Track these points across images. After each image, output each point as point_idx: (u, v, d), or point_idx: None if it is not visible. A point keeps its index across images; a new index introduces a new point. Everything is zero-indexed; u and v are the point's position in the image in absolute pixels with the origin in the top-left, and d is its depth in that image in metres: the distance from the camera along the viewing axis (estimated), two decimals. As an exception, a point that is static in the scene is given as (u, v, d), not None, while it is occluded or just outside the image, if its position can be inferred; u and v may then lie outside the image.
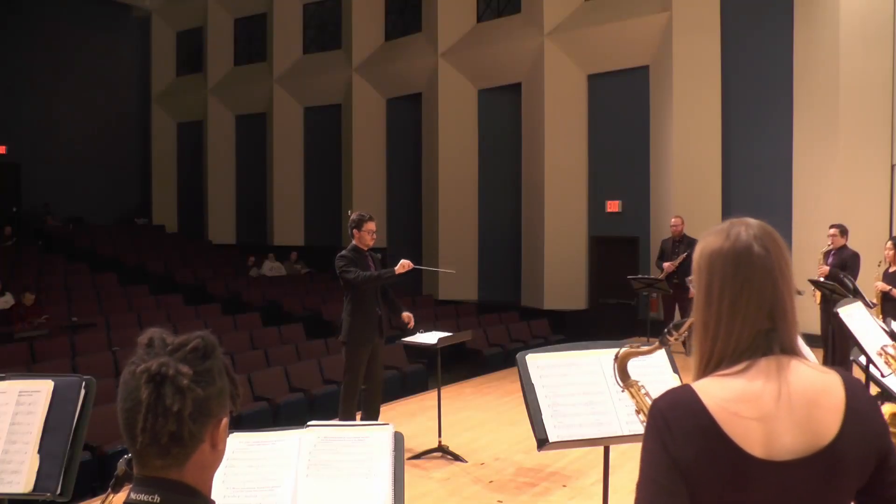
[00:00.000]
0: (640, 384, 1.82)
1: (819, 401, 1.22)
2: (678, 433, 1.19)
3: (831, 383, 1.25)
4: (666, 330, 1.70)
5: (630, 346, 1.83)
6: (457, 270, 14.27)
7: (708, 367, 1.27)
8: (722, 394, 1.21)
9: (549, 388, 2.57)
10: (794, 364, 1.24)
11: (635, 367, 1.85)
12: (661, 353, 2.41)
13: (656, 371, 2.51)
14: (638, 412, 1.80)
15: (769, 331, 1.24)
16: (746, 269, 1.25)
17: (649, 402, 1.70)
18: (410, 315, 5.80)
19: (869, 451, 1.22)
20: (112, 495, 1.44)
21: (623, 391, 1.84)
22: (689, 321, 1.51)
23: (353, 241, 5.65)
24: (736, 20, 11.22)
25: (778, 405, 1.20)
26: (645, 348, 1.82)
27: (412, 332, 5.94)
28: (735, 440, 1.18)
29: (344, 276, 5.48)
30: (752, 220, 1.31)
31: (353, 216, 5.74)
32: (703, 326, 1.28)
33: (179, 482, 1.15)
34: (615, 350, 1.86)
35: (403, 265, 5.49)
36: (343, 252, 5.61)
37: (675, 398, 1.24)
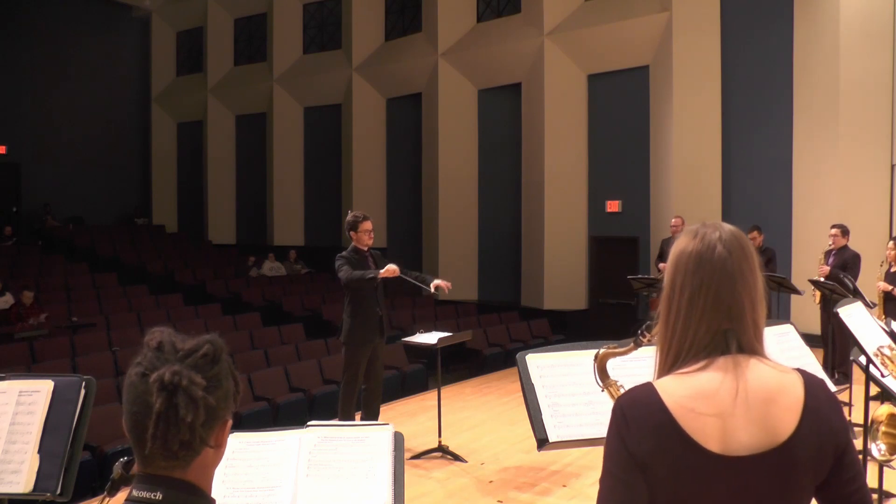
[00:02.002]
0: (618, 384, 1.85)
1: (776, 399, 1.25)
2: (635, 429, 1.24)
3: (790, 382, 1.28)
4: (640, 330, 1.72)
5: (608, 347, 1.87)
6: (457, 270, 14.28)
7: (667, 361, 1.32)
8: (680, 391, 1.25)
9: (549, 388, 2.56)
10: (753, 363, 1.28)
11: (638, 365, 1.86)
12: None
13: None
14: None
15: (728, 331, 1.28)
16: (706, 268, 1.30)
17: None
18: (443, 284, 5.53)
19: (826, 448, 1.25)
20: (108, 499, 1.44)
21: (603, 390, 1.88)
22: None
23: (353, 243, 5.68)
24: (736, 20, 11.21)
25: (735, 402, 1.23)
26: (622, 349, 1.84)
27: (413, 332, 5.95)
28: (691, 435, 1.22)
29: (338, 275, 5.55)
30: (725, 225, 1.35)
31: (349, 217, 5.76)
32: (664, 321, 1.33)
33: (182, 480, 1.16)
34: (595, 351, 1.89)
35: (389, 270, 5.46)
36: (342, 252, 5.64)
37: (636, 395, 1.28)
